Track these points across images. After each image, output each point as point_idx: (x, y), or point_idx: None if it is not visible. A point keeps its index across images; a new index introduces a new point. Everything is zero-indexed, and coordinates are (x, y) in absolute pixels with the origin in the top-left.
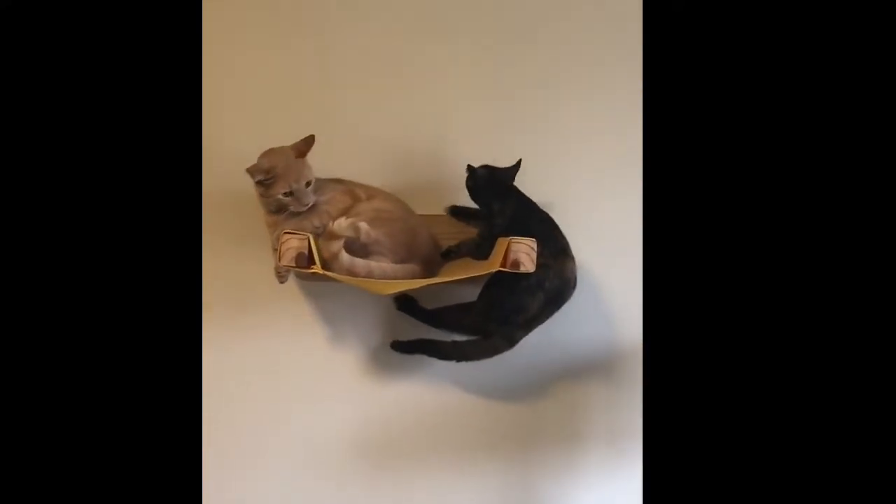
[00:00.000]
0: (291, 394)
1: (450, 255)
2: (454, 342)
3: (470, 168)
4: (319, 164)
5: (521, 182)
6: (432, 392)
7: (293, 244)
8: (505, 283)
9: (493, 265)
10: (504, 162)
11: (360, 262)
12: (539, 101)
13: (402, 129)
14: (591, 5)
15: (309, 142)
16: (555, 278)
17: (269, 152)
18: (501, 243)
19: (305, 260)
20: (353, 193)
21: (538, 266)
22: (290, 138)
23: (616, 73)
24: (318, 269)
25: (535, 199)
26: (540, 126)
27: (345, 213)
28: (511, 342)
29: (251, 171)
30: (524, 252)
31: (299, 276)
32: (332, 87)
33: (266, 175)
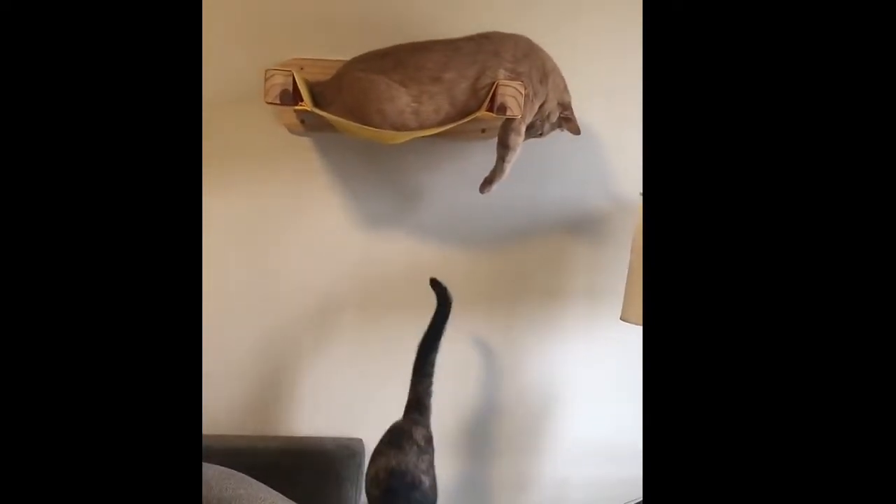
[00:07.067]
0: (289, 245)
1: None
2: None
3: None
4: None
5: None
6: (424, 246)
7: (277, 80)
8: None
9: (479, 109)
10: None
11: None
12: None
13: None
14: None
15: None
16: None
17: None
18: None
19: (290, 97)
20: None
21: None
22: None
23: None
24: (306, 105)
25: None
26: None
27: None
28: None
29: None
30: (510, 95)
31: (311, 129)
32: None
33: None
